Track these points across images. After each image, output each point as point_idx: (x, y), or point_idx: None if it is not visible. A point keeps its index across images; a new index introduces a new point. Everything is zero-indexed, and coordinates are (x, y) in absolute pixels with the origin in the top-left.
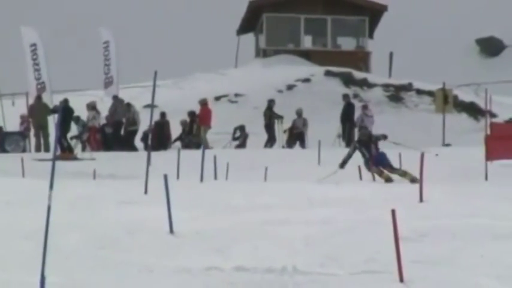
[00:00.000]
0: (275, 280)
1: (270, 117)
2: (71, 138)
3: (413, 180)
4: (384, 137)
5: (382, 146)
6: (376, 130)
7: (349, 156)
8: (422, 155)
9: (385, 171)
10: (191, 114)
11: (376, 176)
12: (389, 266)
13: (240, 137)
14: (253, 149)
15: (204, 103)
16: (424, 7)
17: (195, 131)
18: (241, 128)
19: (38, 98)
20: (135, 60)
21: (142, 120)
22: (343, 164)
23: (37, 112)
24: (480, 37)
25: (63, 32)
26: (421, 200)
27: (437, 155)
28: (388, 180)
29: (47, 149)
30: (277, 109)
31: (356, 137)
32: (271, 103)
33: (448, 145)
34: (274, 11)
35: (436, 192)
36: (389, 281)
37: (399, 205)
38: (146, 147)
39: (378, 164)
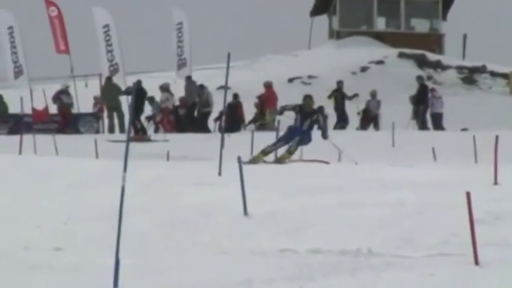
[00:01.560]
0: (350, 262)
1: (342, 98)
2: (144, 119)
3: (282, 161)
4: (324, 133)
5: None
6: (448, 111)
7: (287, 108)
8: (496, 138)
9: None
10: (259, 97)
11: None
12: (464, 248)
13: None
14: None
15: (268, 85)
16: None
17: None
18: (320, 110)
19: (108, 79)
20: (208, 42)
21: (215, 102)
22: (281, 112)
23: (108, 93)
24: None
25: (136, 12)
26: (495, 182)
27: (356, 163)
28: (280, 162)
29: (122, 130)
30: (351, 91)
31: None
32: (340, 84)
33: (465, 129)
34: None
35: (511, 175)
36: (464, 264)
37: (473, 187)
38: (220, 129)
39: (289, 137)
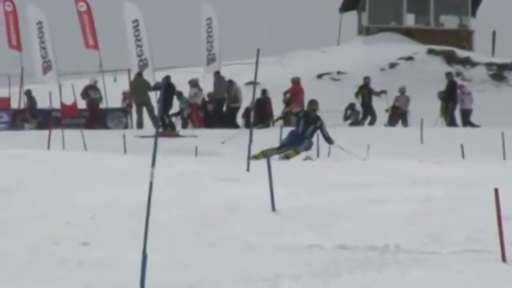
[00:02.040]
0: (377, 258)
1: (369, 94)
2: (172, 115)
3: (285, 157)
4: (329, 139)
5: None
6: (477, 108)
7: (283, 116)
8: None
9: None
10: (285, 93)
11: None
12: (492, 245)
13: (352, 116)
14: (354, 126)
15: (296, 81)
16: None
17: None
18: (352, 107)
19: (139, 74)
20: (238, 37)
21: (244, 97)
22: (277, 119)
23: (138, 89)
24: None
25: (165, 8)
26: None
27: (365, 159)
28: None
29: (153, 123)
30: (380, 87)
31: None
32: (367, 80)
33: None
34: None
35: None
36: (492, 260)
37: (501, 184)
38: (248, 125)
39: (293, 142)
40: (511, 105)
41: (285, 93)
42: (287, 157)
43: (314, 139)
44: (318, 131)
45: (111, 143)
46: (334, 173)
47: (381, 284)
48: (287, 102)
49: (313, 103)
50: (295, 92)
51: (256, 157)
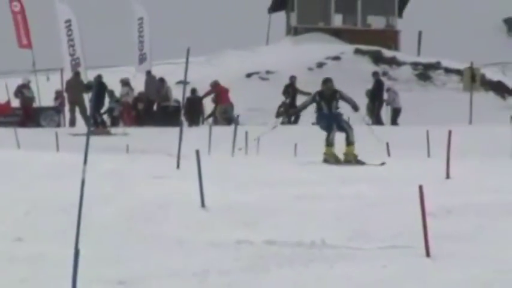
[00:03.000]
0: (304, 253)
1: (294, 94)
2: (103, 113)
3: (354, 158)
4: (354, 106)
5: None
6: (403, 107)
7: (303, 107)
8: (449, 133)
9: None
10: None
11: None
12: (416, 241)
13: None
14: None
15: (214, 85)
16: None
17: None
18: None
19: (76, 74)
20: (168, 37)
21: (174, 96)
22: (292, 114)
23: (73, 88)
24: (508, 17)
25: (98, 8)
26: (447, 176)
27: (383, 163)
28: (329, 155)
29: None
30: (308, 87)
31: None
32: (293, 79)
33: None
34: None
35: (462, 169)
36: (416, 256)
37: (426, 181)
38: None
39: (329, 124)
40: (436, 104)
41: (205, 95)
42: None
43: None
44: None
45: (44, 141)
46: (264, 170)
47: (307, 278)
48: (216, 102)
49: (328, 81)
50: (218, 93)
51: (329, 156)
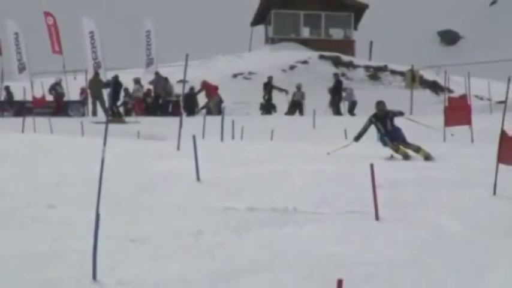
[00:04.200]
0: (279, 218)
1: (270, 90)
2: (119, 105)
3: (427, 157)
4: (401, 113)
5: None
6: (359, 101)
7: (364, 130)
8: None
9: (401, 147)
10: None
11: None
12: (368, 207)
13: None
14: (262, 116)
15: (203, 83)
16: (397, 5)
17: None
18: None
19: (96, 74)
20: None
21: (175, 92)
22: (358, 138)
23: (94, 85)
24: (441, 29)
25: (114, 22)
26: (392, 156)
27: (452, 135)
28: (405, 156)
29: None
30: (282, 84)
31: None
32: (270, 79)
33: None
34: (280, 8)
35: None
36: (368, 219)
37: (376, 160)
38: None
39: (393, 139)
40: (384, 99)
41: (198, 92)
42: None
43: None
44: (394, 120)
45: (72, 128)
46: (246, 151)
47: (282, 237)
48: (207, 96)
49: (381, 104)
50: (207, 90)
51: (402, 152)
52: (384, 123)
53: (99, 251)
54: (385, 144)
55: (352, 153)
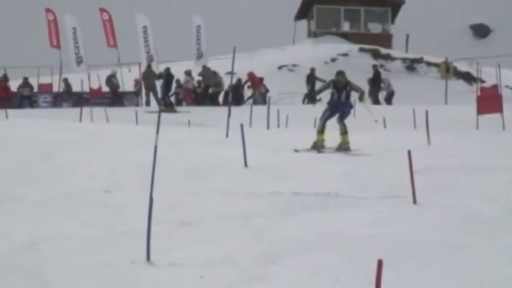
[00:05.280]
0: (322, 202)
1: (313, 81)
2: (170, 95)
3: (341, 146)
4: (362, 92)
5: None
6: (396, 91)
7: (323, 88)
8: (426, 112)
9: (322, 135)
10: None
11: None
12: (406, 192)
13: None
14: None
15: (250, 74)
16: (431, 0)
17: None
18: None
19: (149, 66)
20: (219, 39)
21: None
22: (316, 93)
23: (147, 77)
24: (473, 23)
25: (166, 17)
26: (429, 143)
27: (376, 121)
28: (316, 146)
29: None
30: (324, 76)
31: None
32: (313, 70)
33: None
34: (322, 4)
35: (440, 138)
36: (406, 203)
37: (413, 147)
38: (227, 103)
39: (335, 110)
40: (420, 89)
41: (245, 83)
42: (342, 146)
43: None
44: (352, 92)
45: (126, 117)
46: (293, 140)
47: (325, 220)
48: (251, 88)
49: (340, 74)
50: (252, 81)
51: (317, 144)
52: (340, 92)
53: (152, 234)
54: (326, 115)
55: (390, 140)
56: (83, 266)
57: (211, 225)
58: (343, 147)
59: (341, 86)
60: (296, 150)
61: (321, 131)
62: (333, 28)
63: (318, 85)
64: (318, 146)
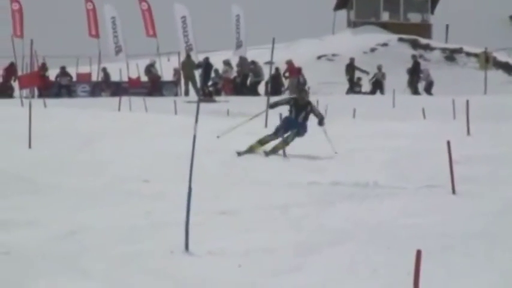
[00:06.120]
0: (360, 192)
1: (353, 71)
2: (210, 85)
3: (277, 150)
4: (321, 118)
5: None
6: (435, 82)
7: (279, 103)
8: (467, 102)
9: (275, 146)
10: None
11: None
12: (445, 182)
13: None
14: (345, 95)
15: (288, 63)
16: None
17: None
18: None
19: (188, 56)
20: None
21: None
22: (273, 106)
23: (186, 67)
24: None
25: (205, 7)
26: (468, 133)
27: (336, 153)
28: (252, 150)
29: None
30: (363, 66)
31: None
32: (352, 60)
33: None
34: None
35: (479, 128)
36: (445, 193)
37: (452, 137)
38: (266, 93)
39: (286, 127)
40: (459, 79)
41: (284, 73)
42: (275, 150)
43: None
44: (311, 115)
45: (165, 107)
46: (328, 129)
47: (363, 210)
48: (286, 77)
49: (303, 91)
50: (290, 70)
51: (252, 149)
52: (299, 111)
53: (190, 223)
54: (277, 131)
55: (430, 131)
56: (122, 256)
57: (249, 215)
58: (276, 151)
59: (301, 104)
60: (239, 153)
61: (264, 143)
62: (372, 18)
63: (359, 75)
64: (252, 151)
